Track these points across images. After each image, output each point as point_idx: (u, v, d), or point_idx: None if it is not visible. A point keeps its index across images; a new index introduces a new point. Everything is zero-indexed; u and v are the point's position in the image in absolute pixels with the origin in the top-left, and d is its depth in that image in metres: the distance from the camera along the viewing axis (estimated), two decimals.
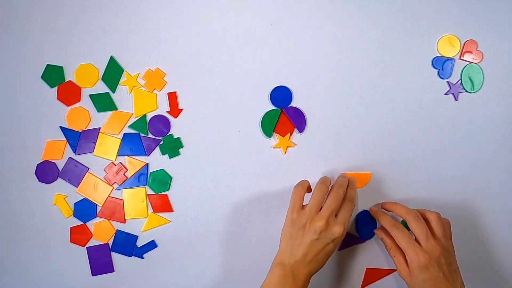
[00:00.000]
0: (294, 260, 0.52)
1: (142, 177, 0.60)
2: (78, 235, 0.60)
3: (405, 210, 0.55)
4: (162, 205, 0.60)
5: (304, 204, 0.55)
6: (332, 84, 0.61)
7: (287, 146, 0.61)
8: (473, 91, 0.62)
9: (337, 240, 0.53)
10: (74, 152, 0.60)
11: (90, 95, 0.60)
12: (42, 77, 0.59)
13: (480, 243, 0.64)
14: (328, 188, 0.56)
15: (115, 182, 0.60)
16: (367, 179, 0.61)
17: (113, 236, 0.60)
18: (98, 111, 0.60)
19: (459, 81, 0.62)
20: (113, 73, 0.60)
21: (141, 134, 0.60)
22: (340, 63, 0.61)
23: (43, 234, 0.60)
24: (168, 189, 0.60)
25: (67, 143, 0.60)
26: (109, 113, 0.60)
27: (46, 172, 0.59)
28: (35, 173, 0.59)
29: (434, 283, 0.50)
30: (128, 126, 0.60)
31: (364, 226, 0.61)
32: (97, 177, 0.60)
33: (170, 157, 0.60)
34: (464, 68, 0.62)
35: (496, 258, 0.64)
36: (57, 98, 0.59)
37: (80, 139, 0.60)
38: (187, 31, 0.60)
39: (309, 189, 0.57)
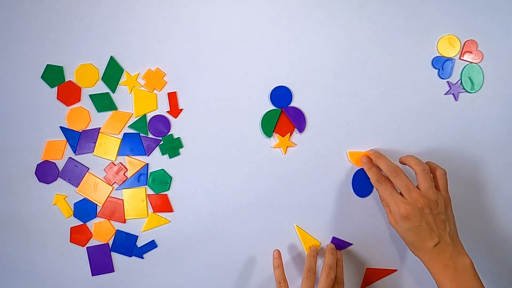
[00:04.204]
0: None
1: (142, 177, 0.60)
2: (78, 235, 0.60)
3: (386, 165, 0.56)
4: (162, 205, 0.60)
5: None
6: (332, 84, 0.61)
7: (287, 146, 0.61)
8: (473, 91, 0.62)
9: None
10: (74, 152, 0.60)
11: (90, 95, 0.60)
12: (42, 77, 0.59)
13: (480, 242, 0.64)
14: (316, 271, 0.57)
15: (115, 182, 0.60)
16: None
17: (113, 236, 0.60)
18: (98, 111, 0.60)
19: (459, 81, 0.62)
20: (113, 73, 0.60)
21: (141, 134, 0.60)
22: (340, 63, 0.61)
23: (43, 234, 0.60)
24: (168, 189, 0.60)
25: (67, 143, 0.60)
26: (109, 113, 0.60)
27: (46, 172, 0.59)
28: (35, 173, 0.59)
29: (416, 231, 0.52)
30: (128, 126, 0.60)
31: (360, 184, 0.61)
32: (97, 177, 0.60)
33: (170, 157, 0.60)
34: (464, 68, 0.62)
35: (497, 257, 0.64)
36: (57, 98, 0.59)
37: (80, 139, 0.60)
38: (187, 31, 0.60)
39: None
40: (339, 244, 0.62)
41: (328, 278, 0.55)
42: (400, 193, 0.54)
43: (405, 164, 0.58)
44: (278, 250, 0.58)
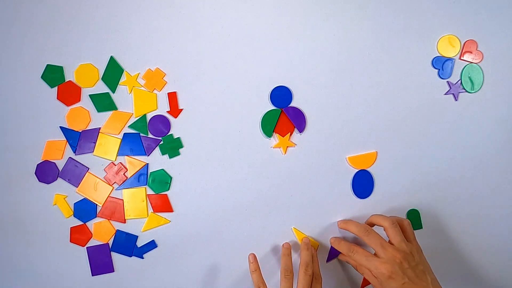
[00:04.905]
0: None
1: (142, 177, 0.60)
2: (78, 235, 0.60)
3: (356, 227, 0.57)
4: (162, 205, 0.60)
5: None
6: (332, 84, 0.61)
7: (287, 146, 0.61)
8: (473, 91, 0.62)
9: None
10: (74, 152, 0.60)
11: (90, 95, 0.60)
12: (42, 77, 0.59)
13: (480, 242, 0.64)
14: (292, 270, 0.56)
15: (115, 182, 0.60)
16: (373, 158, 0.61)
17: (113, 236, 0.60)
18: (98, 111, 0.60)
19: (459, 81, 0.62)
20: (113, 73, 0.59)
21: (141, 134, 0.60)
22: (340, 63, 0.61)
23: (43, 234, 0.60)
24: (168, 189, 0.60)
25: (67, 143, 0.59)
26: (109, 113, 0.60)
27: (46, 172, 0.59)
28: (35, 173, 0.59)
29: (402, 283, 0.51)
30: (128, 126, 0.60)
31: (360, 185, 0.61)
32: (97, 177, 0.60)
33: (170, 157, 0.60)
34: (464, 68, 0.62)
35: (498, 255, 0.64)
36: (57, 98, 0.59)
37: (80, 139, 0.60)
38: (187, 31, 0.60)
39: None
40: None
41: (307, 275, 0.55)
42: (375, 254, 0.54)
43: (372, 223, 0.58)
44: (254, 254, 0.58)
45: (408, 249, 0.53)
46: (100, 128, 0.60)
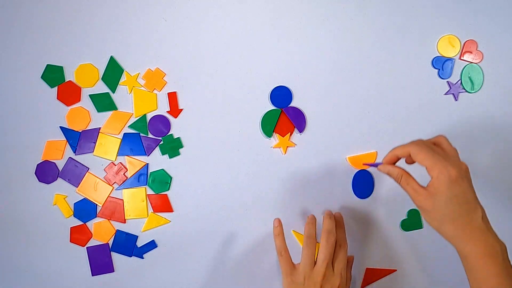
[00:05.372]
0: None
1: (142, 177, 0.60)
2: (78, 235, 0.60)
3: (410, 145, 0.47)
4: (162, 205, 0.60)
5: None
6: (332, 84, 0.61)
7: (287, 146, 0.61)
8: (473, 91, 0.62)
9: None
10: (74, 152, 0.60)
11: (90, 95, 0.60)
12: (42, 77, 0.59)
13: None
14: (315, 238, 0.55)
15: (115, 182, 0.60)
16: (373, 158, 0.61)
17: (113, 236, 0.60)
18: (98, 111, 0.60)
19: (459, 81, 0.62)
20: (113, 73, 0.59)
21: (141, 134, 0.60)
22: (340, 63, 0.61)
23: (43, 234, 0.60)
24: (168, 189, 0.60)
25: (67, 143, 0.59)
26: (109, 113, 0.60)
27: (46, 172, 0.59)
28: (35, 173, 0.59)
29: (464, 197, 0.44)
30: (128, 126, 0.60)
31: (360, 185, 0.61)
32: (97, 177, 0.60)
33: (170, 157, 0.60)
34: (464, 68, 0.62)
35: None
36: (57, 98, 0.59)
37: (80, 139, 0.60)
38: (187, 31, 0.60)
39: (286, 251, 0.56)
40: None
41: (328, 243, 0.53)
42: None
43: (414, 161, 0.49)
44: (279, 219, 0.58)
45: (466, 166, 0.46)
46: (100, 128, 0.60)
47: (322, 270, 0.52)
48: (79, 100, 0.60)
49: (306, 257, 0.54)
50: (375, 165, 0.51)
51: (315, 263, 0.53)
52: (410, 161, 0.49)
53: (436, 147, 0.47)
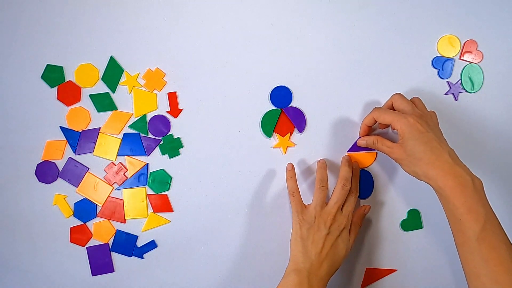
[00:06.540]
0: (310, 263, 0.52)
1: (142, 177, 0.60)
2: (78, 235, 0.60)
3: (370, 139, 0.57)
4: (162, 205, 0.60)
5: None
6: (332, 84, 0.61)
7: (287, 146, 0.61)
8: (473, 91, 0.62)
9: (344, 233, 0.55)
10: (74, 152, 0.60)
11: (90, 95, 0.60)
12: (42, 77, 0.59)
13: None
14: (327, 182, 0.57)
15: (115, 182, 0.60)
16: (373, 158, 0.61)
17: (113, 236, 0.60)
18: (98, 111, 0.60)
19: (459, 81, 0.62)
20: (113, 73, 0.60)
21: (141, 134, 0.60)
22: (340, 63, 0.61)
23: (43, 234, 0.60)
24: (168, 189, 0.60)
25: (67, 143, 0.60)
26: (109, 113, 0.60)
27: (46, 172, 0.59)
28: (35, 173, 0.59)
29: (427, 138, 0.50)
30: (128, 126, 0.60)
31: (360, 185, 0.60)
32: (97, 177, 0.60)
33: (170, 157, 0.60)
34: (464, 68, 0.62)
35: None
36: (57, 98, 0.59)
37: (80, 139, 0.60)
38: (187, 31, 0.60)
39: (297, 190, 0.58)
40: None
41: (343, 190, 0.55)
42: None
43: (387, 125, 0.59)
44: (292, 164, 0.59)
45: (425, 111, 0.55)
46: (100, 128, 0.60)
47: (333, 211, 0.55)
48: (79, 100, 0.60)
49: (318, 198, 0.55)
50: (354, 144, 0.60)
51: (326, 204, 0.56)
52: (382, 126, 0.60)
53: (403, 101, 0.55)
